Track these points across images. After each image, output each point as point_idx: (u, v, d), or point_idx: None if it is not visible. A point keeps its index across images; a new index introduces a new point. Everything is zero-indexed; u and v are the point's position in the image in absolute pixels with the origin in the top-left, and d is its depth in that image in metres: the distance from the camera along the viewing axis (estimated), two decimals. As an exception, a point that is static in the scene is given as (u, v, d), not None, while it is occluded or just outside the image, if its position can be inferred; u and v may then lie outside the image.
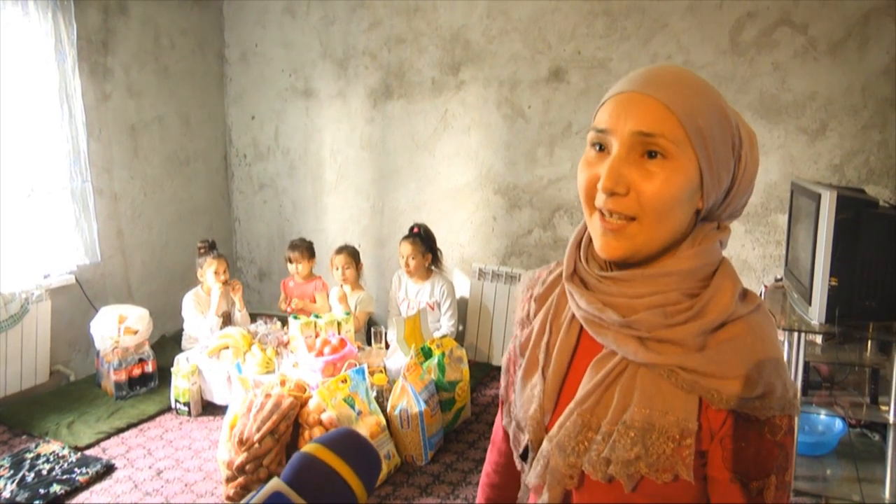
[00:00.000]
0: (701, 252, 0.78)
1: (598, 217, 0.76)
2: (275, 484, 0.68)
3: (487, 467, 1.09)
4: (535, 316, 0.90)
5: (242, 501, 0.68)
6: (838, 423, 2.68)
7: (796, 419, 0.77)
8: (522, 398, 0.86)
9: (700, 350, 0.74)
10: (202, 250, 3.82)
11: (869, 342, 2.51)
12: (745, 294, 0.79)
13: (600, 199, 0.75)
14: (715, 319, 0.74)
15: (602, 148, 0.76)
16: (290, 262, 3.99)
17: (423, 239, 3.76)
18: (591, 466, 0.76)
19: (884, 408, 2.42)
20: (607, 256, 0.77)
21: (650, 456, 0.74)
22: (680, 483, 0.74)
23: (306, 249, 3.99)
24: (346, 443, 0.75)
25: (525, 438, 0.85)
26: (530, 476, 0.83)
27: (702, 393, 0.73)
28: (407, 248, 3.72)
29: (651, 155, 0.73)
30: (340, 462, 0.71)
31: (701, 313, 0.74)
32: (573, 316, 0.83)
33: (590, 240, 0.83)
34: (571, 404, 0.79)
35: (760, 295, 2.83)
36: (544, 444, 0.81)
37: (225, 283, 3.76)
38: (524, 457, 0.86)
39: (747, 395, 0.72)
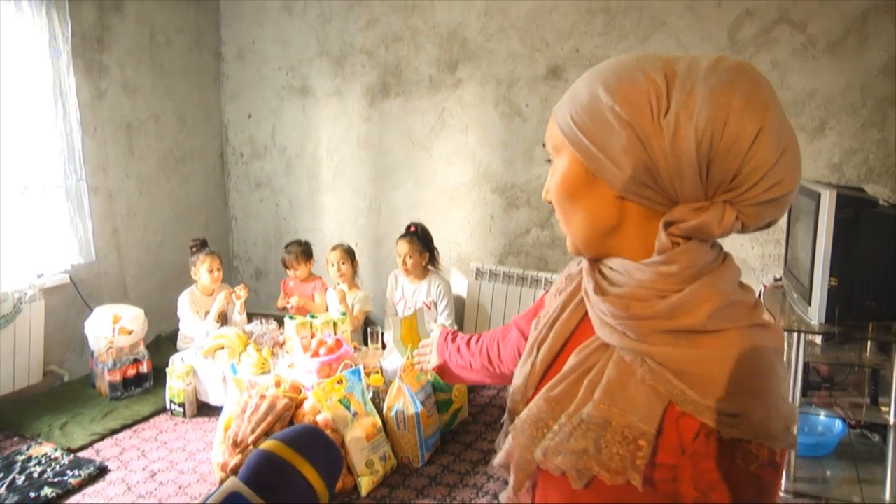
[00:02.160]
0: (647, 246, 0.72)
1: None
2: (231, 483, 0.65)
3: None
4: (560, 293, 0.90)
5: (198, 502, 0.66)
6: (838, 424, 2.66)
7: (789, 453, 0.71)
8: (520, 371, 0.87)
9: (676, 347, 0.69)
10: (194, 248, 3.79)
11: (869, 342, 2.50)
12: (756, 305, 0.74)
13: None
14: (682, 325, 0.69)
15: None
16: (287, 267, 3.95)
17: (420, 238, 3.73)
18: (543, 455, 0.75)
19: (884, 409, 2.40)
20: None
21: (602, 455, 0.70)
22: (634, 488, 0.70)
23: (302, 253, 3.93)
24: (306, 439, 0.72)
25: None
26: (499, 454, 0.83)
27: (669, 389, 0.68)
28: (404, 246, 3.69)
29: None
30: (300, 459, 0.69)
31: (670, 315, 0.69)
32: (580, 300, 0.83)
33: None
34: (544, 389, 0.78)
35: (759, 295, 2.82)
36: (515, 423, 0.80)
37: (231, 292, 3.72)
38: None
39: (717, 406, 0.67)
